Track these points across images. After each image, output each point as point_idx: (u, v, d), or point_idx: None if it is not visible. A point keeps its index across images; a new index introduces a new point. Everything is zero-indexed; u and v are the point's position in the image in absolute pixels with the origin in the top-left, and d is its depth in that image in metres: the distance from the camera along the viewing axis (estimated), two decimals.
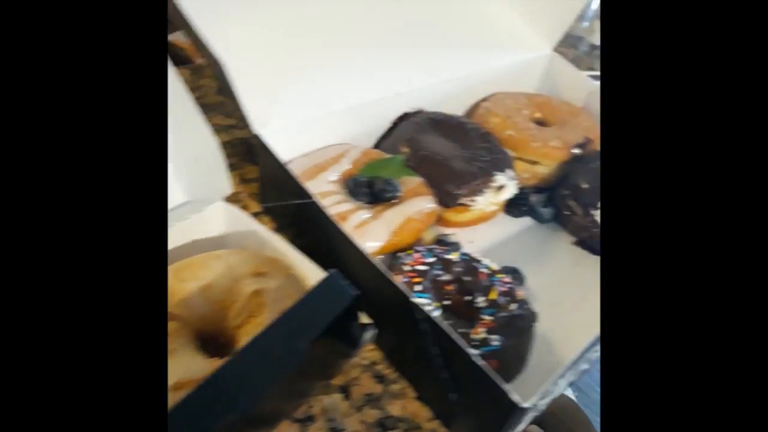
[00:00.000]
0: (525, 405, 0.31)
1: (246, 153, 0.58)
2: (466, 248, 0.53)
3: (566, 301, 0.50)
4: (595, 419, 1.16)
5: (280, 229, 0.50)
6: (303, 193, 0.42)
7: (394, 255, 0.45)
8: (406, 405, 0.40)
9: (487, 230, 0.56)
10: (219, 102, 0.63)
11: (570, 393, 1.07)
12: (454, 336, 0.34)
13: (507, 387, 0.32)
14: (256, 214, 0.51)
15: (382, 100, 0.57)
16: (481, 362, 0.33)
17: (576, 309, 0.50)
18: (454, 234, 0.53)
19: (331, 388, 0.40)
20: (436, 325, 0.34)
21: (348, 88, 0.54)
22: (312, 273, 0.41)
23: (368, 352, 0.42)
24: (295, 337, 0.31)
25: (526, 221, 0.59)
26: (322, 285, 0.33)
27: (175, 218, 0.42)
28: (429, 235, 0.50)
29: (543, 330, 0.46)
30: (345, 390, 0.40)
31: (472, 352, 0.38)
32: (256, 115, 0.46)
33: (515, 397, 0.31)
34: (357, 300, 0.33)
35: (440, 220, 0.53)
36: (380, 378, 0.41)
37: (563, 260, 0.55)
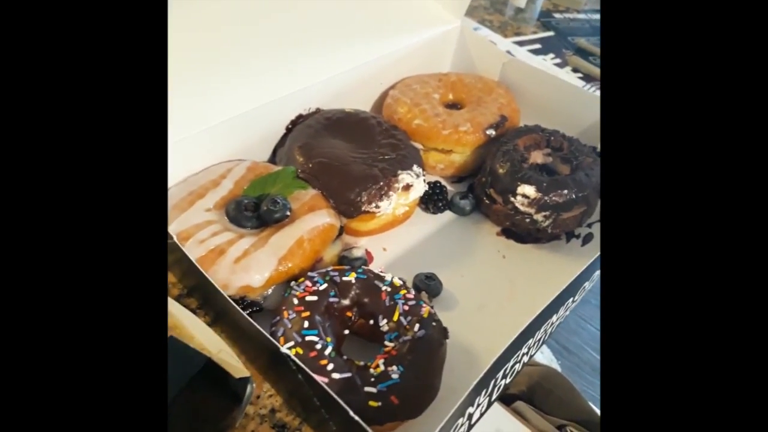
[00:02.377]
0: None
1: None
2: (379, 257, 0.49)
3: (490, 302, 0.46)
4: (584, 382, 1.15)
5: (170, 266, 0.45)
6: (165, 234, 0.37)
7: (288, 284, 0.41)
8: None
9: (402, 233, 0.51)
10: None
11: (553, 359, 1.06)
12: (327, 387, 0.29)
13: None
14: None
15: (278, 101, 0.51)
16: (354, 417, 0.28)
17: (502, 309, 0.46)
18: (361, 246, 0.48)
19: None
20: (309, 376, 0.30)
21: (235, 94, 0.48)
22: (192, 324, 0.36)
23: (267, 399, 0.38)
24: None
25: (447, 216, 0.54)
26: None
27: None
28: (331, 253, 0.45)
29: (462, 343, 0.42)
30: None
31: (370, 390, 0.34)
32: None
33: None
34: (209, 363, 0.29)
35: (348, 231, 0.49)
36: (281, 427, 0.37)
37: (489, 253, 0.51)
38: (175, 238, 0.36)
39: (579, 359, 1.23)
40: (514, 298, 0.47)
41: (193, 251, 0.39)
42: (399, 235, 0.51)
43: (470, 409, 0.34)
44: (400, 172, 0.48)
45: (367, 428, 0.28)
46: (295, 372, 0.31)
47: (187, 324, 0.37)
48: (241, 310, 0.33)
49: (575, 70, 0.83)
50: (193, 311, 0.40)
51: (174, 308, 0.37)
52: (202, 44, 0.48)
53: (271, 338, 0.32)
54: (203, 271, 0.34)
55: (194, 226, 0.40)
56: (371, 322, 0.39)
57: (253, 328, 0.32)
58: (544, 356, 1.03)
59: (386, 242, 0.50)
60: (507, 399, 0.78)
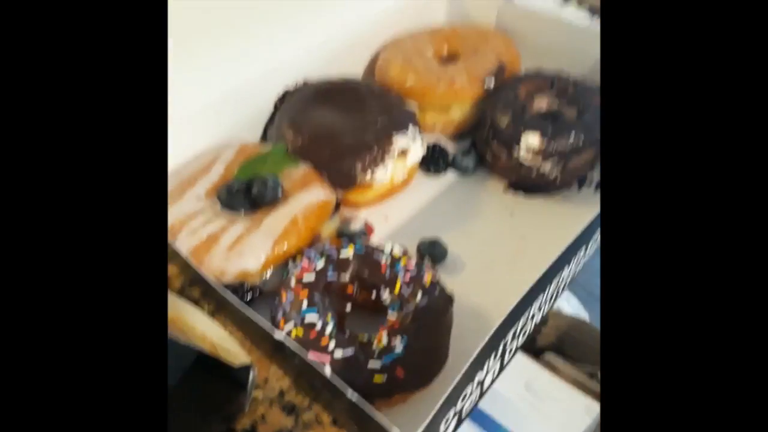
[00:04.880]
0: None
1: None
2: (381, 227, 0.47)
3: (499, 261, 0.45)
4: None
5: (169, 260, 0.45)
6: None
7: (285, 265, 0.40)
8: None
9: (404, 200, 0.49)
10: None
11: (580, 308, 1.04)
12: (320, 368, 0.29)
13: (385, 423, 0.27)
14: None
15: (264, 76, 0.50)
16: (355, 397, 0.28)
17: (512, 268, 0.44)
18: (359, 218, 0.47)
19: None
20: (305, 361, 0.29)
21: (217, 72, 0.47)
22: (194, 316, 0.36)
23: (276, 382, 0.38)
24: None
25: (450, 177, 0.52)
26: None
27: None
28: (330, 228, 0.44)
29: (471, 305, 0.41)
30: (253, 431, 0.36)
31: (375, 364, 0.33)
32: None
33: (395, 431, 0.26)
34: (200, 356, 0.29)
35: (346, 203, 0.47)
36: (290, 409, 0.36)
37: (496, 211, 0.49)
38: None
39: None
40: (523, 254, 0.45)
41: (187, 241, 0.39)
42: (401, 201, 0.49)
43: (479, 375, 0.33)
44: (394, 134, 0.46)
45: (370, 409, 0.28)
46: (293, 358, 0.31)
47: (187, 315, 0.36)
48: (234, 299, 0.32)
49: (580, 2, 0.78)
50: (196, 301, 0.40)
51: (174, 301, 0.37)
52: (177, 22, 0.47)
53: (265, 326, 0.31)
54: (193, 263, 0.34)
55: (187, 216, 0.40)
56: (373, 295, 0.38)
57: (248, 318, 0.31)
58: (572, 306, 1.01)
59: (388, 210, 0.49)
60: (536, 351, 0.77)
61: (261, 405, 0.37)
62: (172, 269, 0.43)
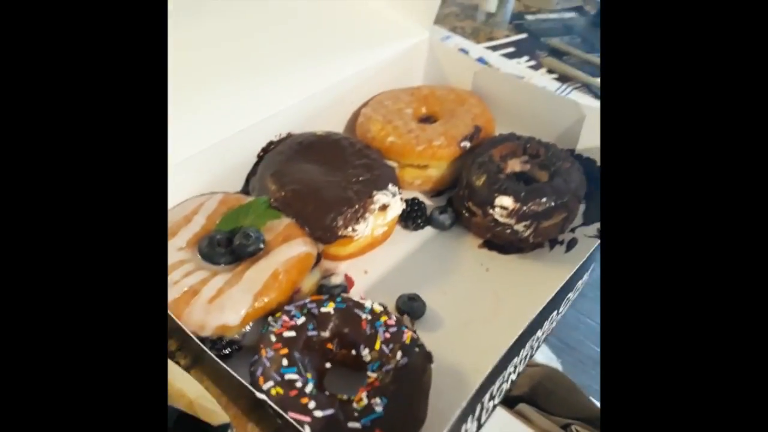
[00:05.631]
0: None
1: None
2: (361, 280, 0.48)
3: (476, 318, 0.46)
4: (587, 377, 1.15)
5: None
6: None
7: (266, 320, 0.40)
8: None
9: (383, 254, 0.50)
10: None
11: (553, 357, 1.05)
12: (308, 427, 0.29)
13: None
14: None
15: (248, 129, 0.51)
16: None
17: (488, 325, 0.45)
18: (339, 273, 0.47)
19: None
20: (288, 422, 0.29)
21: (202, 126, 0.48)
22: (174, 374, 0.35)
23: None
24: None
25: (427, 232, 0.54)
26: None
27: None
28: (310, 281, 0.44)
29: (450, 363, 0.41)
30: None
31: (354, 425, 0.33)
32: None
33: None
34: (181, 415, 0.28)
35: (327, 256, 0.48)
36: None
37: (472, 267, 0.51)
38: None
39: (581, 354, 1.23)
40: (499, 312, 0.46)
41: (167, 293, 0.38)
42: (379, 255, 0.50)
43: None
44: (375, 192, 0.47)
45: None
46: (274, 417, 0.30)
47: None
48: (213, 356, 0.32)
49: (550, 71, 0.83)
50: (172, 354, 0.39)
51: None
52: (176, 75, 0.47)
53: (247, 384, 0.31)
54: (174, 317, 0.33)
55: (169, 266, 0.40)
56: (353, 352, 0.38)
57: (228, 374, 0.31)
58: (544, 355, 1.03)
59: (367, 264, 0.49)
60: (510, 401, 0.77)
61: None
62: None
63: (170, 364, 0.36)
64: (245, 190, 0.52)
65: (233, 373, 0.31)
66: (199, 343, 0.33)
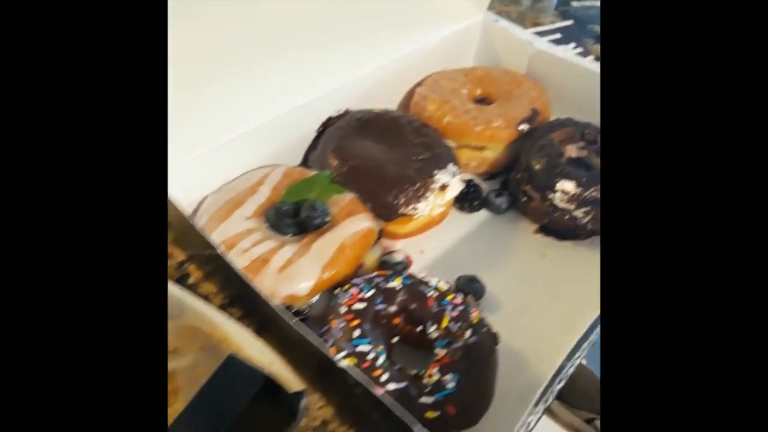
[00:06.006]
0: None
1: None
2: (417, 260, 0.48)
3: (535, 303, 0.45)
4: None
5: (207, 277, 0.44)
6: (201, 243, 0.36)
7: (331, 292, 0.40)
8: None
9: (438, 235, 0.50)
10: None
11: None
12: (388, 402, 0.29)
13: None
14: (182, 263, 0.46)
15: (306, 105, 0.51)
16: (420, 429, 0.28)
17: (548, 311, 0.45)
18: (400, 250, 0.47)
19: None
20: (368, 392, 0.29)
21: (261, 100, 0.48)
22: (239, 334, 0.35)
23: (318, 411, 0.37)
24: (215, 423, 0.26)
25: (482, 215, 0.53)
26: (221, 373, 0.28)
27: None
28: (372, 257, 0.44)
29: (511, 346, 0.41)
30: None
31: (427, 400, 0.33)
32: (168, 148, 0.39)
33: None
34: (267, 380, 0.28)
35: (384, 234, 0.48)
36: None
37: (528, 252, 0.50)
38: (218, 247, 0.35)
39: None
40: (558, 299, 0.46)
41: (237, 262, 0.38)
42: (435, 236, 0.50)
43: (530, 417, 0.33)
44: (436, 171, 0.47)
45: None
46: (351, 385, 0.30)
47: (234, 335, 0.36)
48: (292, 321, 0.32)
49: (598, 59, 0.81)
50: (237, 321, 0.40)
51: (219, 319, 0.37)
52: (227, 52, 0.47)
53: (325, 351, 0.31)
54: (250, 281, 0.34)
55: (236, 236, 0.40)
56: (419, 328, 0.38)
57: (305, 340, 0.31)
58: None
59: (423, 244, 0.49)
60: None
61: None
62: (209, 287, 0.43)
63: (242, 329, 0.36)
64: (303, 164, 0.52)
65: (311, 339, 0.31)
66: (275, 308, 0.33)
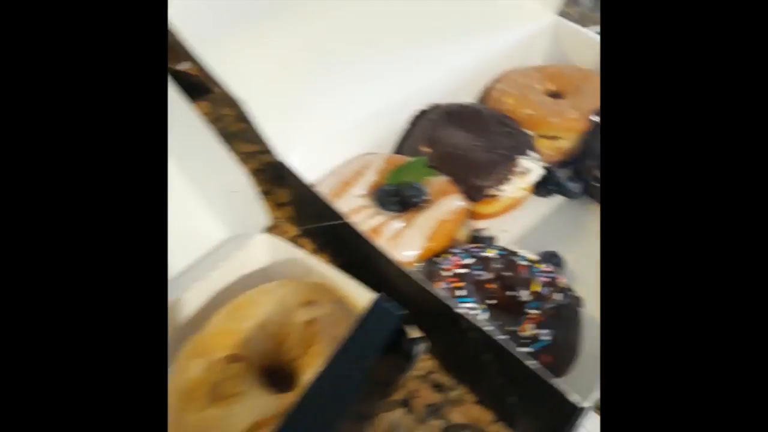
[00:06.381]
0: (585, 405, 0.32)
1: (276, 177, 0.59)
2: (501, 239, 0.53)
3: None
4: None
5: (320, 249, 0.51)
6: (335, 214, 0.43)
7: (431, 261, 0.46)
8: (468, 411, 0.41)
9: (518, 217, 0.55)
10: (242, 129, 0.63)
11: None
12: (504, 341, 0.34)
13: (565, 388, 0.32)
14: (294, 238, 0.52)
15: (394, 102, 0.57)
16: (535, 365, 0.33)
17: None
18: (487, 228, 0.53)
19: (392, 404, 0.41)
20: (485, 333, 0.35)
21: (359, 96, 0.54)
22: (357, 292, 0.41)
23: (423, 362, 0.43)
24: (355, 364, 0.32)
25: (557, 200, 0.58)
26: (371, 310, 0.34)
27: (220, 257, 0.44)
28: (463, 234, 0.50)
29: (591, 313, 0.46)
30: (406, 404, 0.41)
31: (525, 350, 0.39)
32: (278, 139, 0.46)
33: (574, 397, 0.32)
34: (404, 319, 0.34)
35: (471, 215, 0.53)
36: (438, 387, 0.42)
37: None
38: (345, 216, 0.42)
39: None
40: None
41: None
42: (515, 218, 0.55)
43: None
44: (518, 157, 0.53)
45: (549, 377, 0.33)
46: (465, 329, 0.36)
47: (353, 293, 0.42)
48: (412, 274, 0.38)
49: None
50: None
51: (341, 280, 0.43)
52: (338, 55, 0.54)
53: (444, 299, 0.37)
54: (372, 240, 0.40)
55: (351, 211, 0.46)
56: (512, 293, 0.44)
57: (424, 290, 0.37)
58: None
59: (504, 226, 0.55)
60: None
61: (412, 382, 0.42)
62: (324, 256, 0.49)
63: (359, 286, 0.42)
64: (398, 152, 0.58)
65: (430, 288, 0.37)
66: (399, 264, 0.39)
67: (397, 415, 0.40)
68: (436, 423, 0.40)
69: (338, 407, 0.30)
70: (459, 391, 0.42)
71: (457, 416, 0.40)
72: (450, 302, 0.37)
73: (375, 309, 0.34)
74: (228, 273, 0.43)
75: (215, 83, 0.48)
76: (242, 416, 0.33)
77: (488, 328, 0.35)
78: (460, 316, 0.36)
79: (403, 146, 0.57)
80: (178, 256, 0.44)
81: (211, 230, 0.47)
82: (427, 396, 0.41)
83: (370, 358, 0.33)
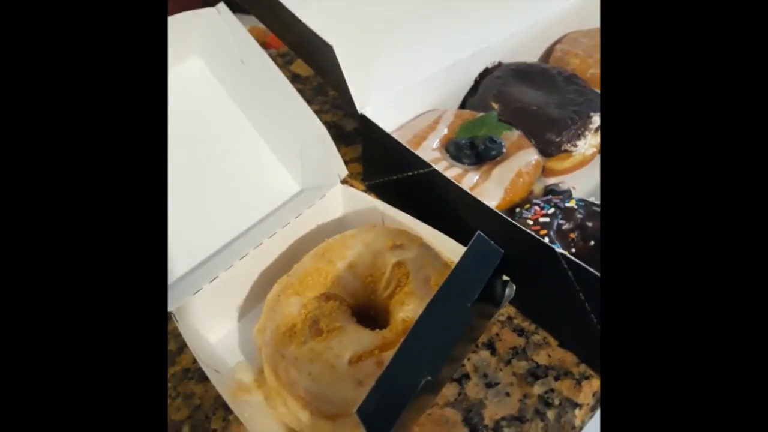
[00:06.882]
0: None
1: (338, 135, 0.59)
2: (573, 194, 0.53)
3: None
4: None
5: (390, 202, 0.51)
6: (417, 164, 0.43)
7: (511, 211, 0.46)
8: (551, 353, 0.41)
9: (586, 174, 0.55)
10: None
11: None
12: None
13: None
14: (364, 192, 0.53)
15: (459, 61, 0.56)
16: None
17: None
18: (562, 182, 0.52)
19: (478, 346, 0.41)
20: (584, 270, 0.34)
21: (426, 55, 0.54)
22: (437, 240, 0.41)
23: (503, 309, 0.43)
24: (461, 301, 0.32)
25: None
26: (474, 247, 0.34)
27: (296, 206, 0.44)
28: (538, 187, 0.50)
29: None
30: (491, 346, 0.41)
31: None
32: (355, 94, 0.46)
33: None
34: (504, 258, 0.34)
35: (543, 170, 0.53)
36: (520, 331, 0.42)
37: None
38: (430, 165, 0.42)
39: None
40: None
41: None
42: (585, 175, 0.55)
43: None
44: (591, 114, 0.52)
45: None
46: (564, 271, 0.36)
47: (432, 239, 0.42)
48: (504, 215, 0.38)
49: None
50: None
51: (420, 227, 0.42)
52: (410, 16, 0.53)
53: (536, 235, 0.36)
54: (458, 184, 0.40)
55: (429, 161, 0.46)
56: (591, 243, 0.43)
57: (523, 232, 0.37)
58: None
59: (574, 182, 0.54)
60: None
61: (495, 326, 0.42)
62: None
63: (437, 232, 0.42)
64: (464, 108, 0.58)
65: (522, 227, 0.37)
66: (492, 208, 0.38)
67: (482, 356, 0.40)
68: (521, 364, 0.40)
69: (445, 343, 0.30)
70: (541, 336, 0.42)
71: (541, 358, 0.40)
72: (546, 242, 0.36)
73: (478, 245, 0.33)
74: (308, 221, 0.43)
75: (289, 37, 0.48)
76: (344, 348, 0.33)
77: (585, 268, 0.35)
78: (561, 255, 0.36)
79: (469, 103, 0.57)
80: (262, 209, 0.45)
81: (288, 184, 0.47)
82: (511, 339, 0.41)
83: (474, 296, 0.33)
